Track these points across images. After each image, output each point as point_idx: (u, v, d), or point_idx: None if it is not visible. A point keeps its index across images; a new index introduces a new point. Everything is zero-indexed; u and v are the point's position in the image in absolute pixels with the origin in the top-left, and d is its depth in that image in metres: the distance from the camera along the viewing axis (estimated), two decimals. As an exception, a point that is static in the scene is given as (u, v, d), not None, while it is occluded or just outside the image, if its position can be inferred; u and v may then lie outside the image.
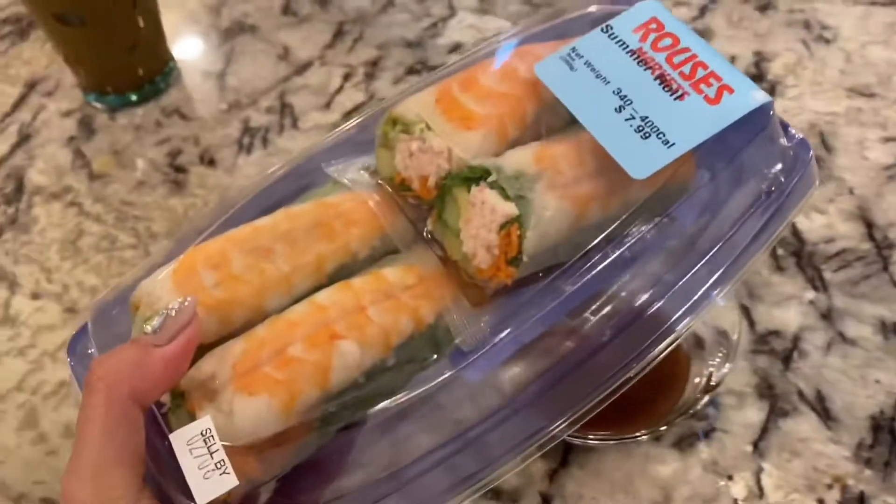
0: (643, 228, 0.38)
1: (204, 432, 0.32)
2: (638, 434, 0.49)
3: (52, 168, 0.74)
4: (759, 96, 0.37)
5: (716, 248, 0.38)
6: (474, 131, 0.38)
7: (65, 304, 0.63)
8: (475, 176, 0.37)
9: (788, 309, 0.56)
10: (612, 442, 0.49)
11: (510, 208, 0.35)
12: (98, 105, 0.79)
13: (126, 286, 0.39)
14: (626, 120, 0.36)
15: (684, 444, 0.51)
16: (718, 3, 0.79)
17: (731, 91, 0.36)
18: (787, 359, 0.54)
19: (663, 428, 0.49)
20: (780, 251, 0.59)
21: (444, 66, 0.44)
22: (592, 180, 0.37)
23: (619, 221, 0.38)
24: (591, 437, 0.48)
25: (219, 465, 0.31)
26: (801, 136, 0.41)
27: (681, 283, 0.38)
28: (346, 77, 0.79)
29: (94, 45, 0.74)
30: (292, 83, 0.79)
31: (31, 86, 0.82)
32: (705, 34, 0.77)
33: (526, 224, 0.35)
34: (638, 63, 0.38)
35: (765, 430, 0.51)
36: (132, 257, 0.66)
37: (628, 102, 0.36)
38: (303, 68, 0.80)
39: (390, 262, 0.39)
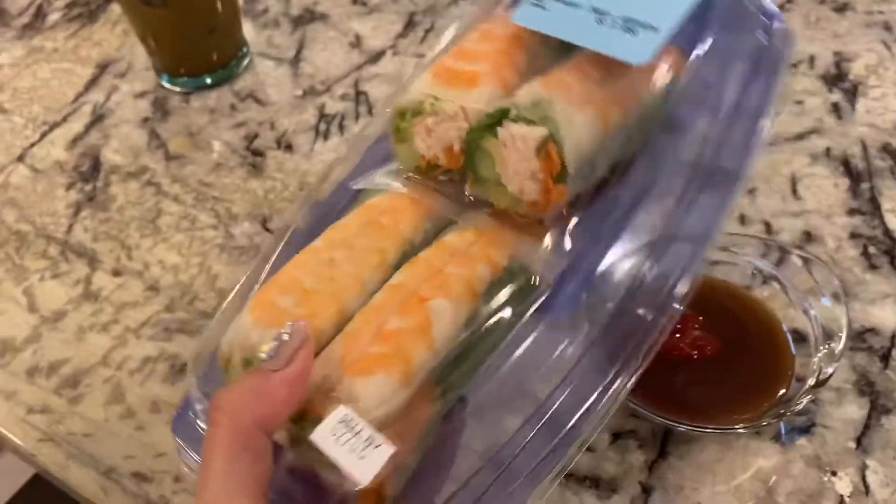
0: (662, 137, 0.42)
1: (343, 418, 0.33)
2: (738, 427, 0.48)
3: (127, 148, 0.74)
4: None
5: (728, 124, 0.41)
6: (479, 87, 0.40)
7: (146, 281, 0.63)
8: (496, 119, 0.38)
9: (884, 307, 0.55)
10: (709, 431, 0.48)
11: (540, 130, 0.37)
12: (171, 87, 0.79)
13: (205, 357, 0.39)
14: (611, 27, 0.38)
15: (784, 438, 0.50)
16: (795, 3, 0.79)
17: None
18: (885, 357, 0.53)
19: (765, 423, 0.48)
20: (871, 249, 0.59)
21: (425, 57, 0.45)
22: (602, 87, 0.39)
23: (639, 129, 0.41)
24: (693, 426, 0.47)
25: (369, 441, 0.32)
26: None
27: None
28: (420, 67, 0.78)
29: (174, 26, 0.74)
30: (366, 71, 0.79)
31: (102, 67, 0.83)
32: (782, 34, 0.76)
33: (560, 138, 0.37)
34: None
35: (867, 427, 0.50)
36: (213, 238, 0.66)
37: (605, 13, 0.39)
38: (376, 57, 0.80)
39: (446, 233, 0.40)
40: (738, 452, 0.50)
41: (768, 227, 0.61)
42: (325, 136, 0.73)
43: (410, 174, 0.42)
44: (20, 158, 0.75)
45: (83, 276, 0.64)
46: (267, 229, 0.66)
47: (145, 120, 0.77)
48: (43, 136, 0.77)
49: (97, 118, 0.77)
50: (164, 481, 0.52)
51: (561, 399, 0.38)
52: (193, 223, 0.67)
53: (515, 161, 0.37)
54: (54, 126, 0.77)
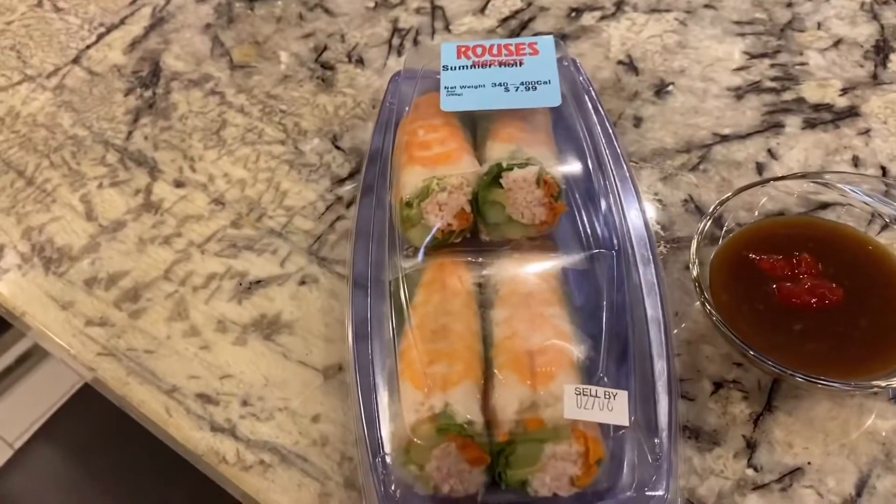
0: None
1: (576, 391, 0.40)
2: (853, 383, 0.44)
3: (189, 54, 0.70)
4: (548, 40, 0.54)
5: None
6: (462, 160, 0.49)
7: (211, 194, 0.60)
8: (494, 174, 0.48)
9: None
10: (820, 384, 0.43)
11: (533, 168, 0.47)
12: (235, -7, 0.74)
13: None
14: (517, 91, 0.51)
15: (904, 398, 0.46)
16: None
17: (534, 46, 0.54)
18: None
19: (883, 384, 0.44)
20: None
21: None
22: (536, 132, 0.52)
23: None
24: (810, 377, 0.43)
25: (607, 395, 0.40)
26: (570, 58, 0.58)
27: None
28: (502, -17, 0.73)
29: (243, -76, 0.69)
30: (443, -15, 0.73)
31: (162, -32, 0.78)
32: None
33: (546, 169, 0.47)
34: (482, 67, 0.53)
35: None
36: (282, 153, 0.62)
37: (505, 84, 0.52)
38: (453, -30, 0.74)
39: (499, 268, 0.48)
40: (853, 411, 0.46)
41: (884, 171, 0.56)
42: (399, 52, 0.68)
43: (427, 248, 0.48)
44: (76, 60, 0.71)
45: (143, 186, 0.61)
46: (337, 147, 0.62)
47: (208, 26, 0.72)
48: (99, 38, 0.73)
49: (157, 22, 0.73)
50: (231, 404, 0.49)
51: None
52: (260, 136, 0.63)
53: (523, 195, 0.47)
54: (111, 28, 0.73)
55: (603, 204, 0.49)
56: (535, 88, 0.51)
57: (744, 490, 0.43)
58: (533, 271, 0.48)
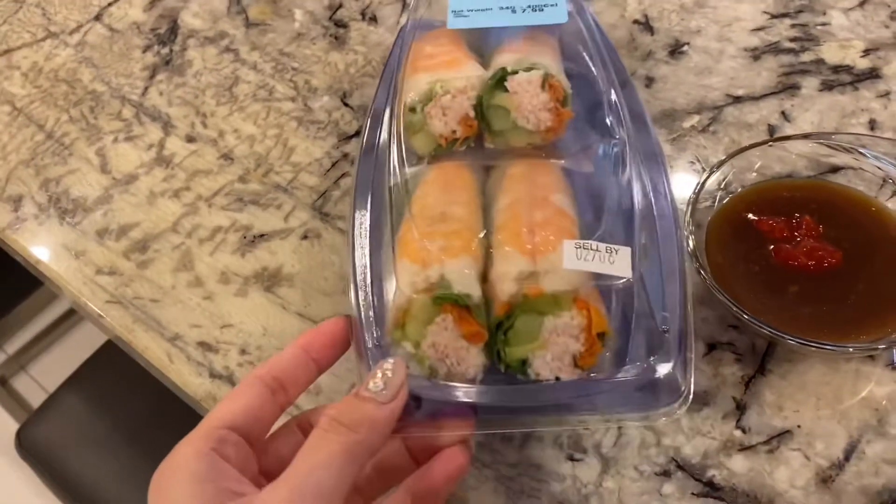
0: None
1: (576, 245, 0.39)
2: (850, 346, 0.43)
3: (206, 12, 0.71)
4: None
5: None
6: (466, 65, 0.48)
7: (220, 150, 0.60)
8: (499, 78, 0.46)
9: None
10: (819, 347, 0.42)
11: (539, 71, 0.46)
12: (254, -49, 0.74)
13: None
14: (524, 11, 0.51)
15: (903, 365, 0.45)
16: None
17: None
18: None
19: (883, 347, 0.43)
20: None
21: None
22: (544, 44, 0.50)
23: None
24: (801, 340, 0.42)
25: (608, 250, 0.39)
26: None
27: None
28: (520, -59, 0.72)
29: None
30: (461, -57, 0.72)
31: (184, -73, 0.78)
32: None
33: (552, 73, 0.46)
34: None
35: None
36: (291, 110, 0.62)
37: (512, 7, 0.51)
38: (472, -72, 0.73)
39: (502, 174, 0.46)
40: (848, 376, 0.45)
41: (902, 135, 0.55)
42: (415, 10, 0.68)
43: (430, 156, 0.47)
44: (97, 17, 0.72)
45: (157, 141, 0.62)
46: (346, 104, 0.62)
47: (226, -16, 0.73)
48: (121, -5, 0.74)
49: (177, -21, 0.74)
50: (230, 353, 0.50)
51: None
52: (271, 93, 0.64)
53: (528, 101, 0.45)
54: (133, -14, 0.74)
55: (609, 120, 0.47)
56: (542, 10, 0.51)
57: (730, 451, 0.43)
58: (542, 170, 0.46)
